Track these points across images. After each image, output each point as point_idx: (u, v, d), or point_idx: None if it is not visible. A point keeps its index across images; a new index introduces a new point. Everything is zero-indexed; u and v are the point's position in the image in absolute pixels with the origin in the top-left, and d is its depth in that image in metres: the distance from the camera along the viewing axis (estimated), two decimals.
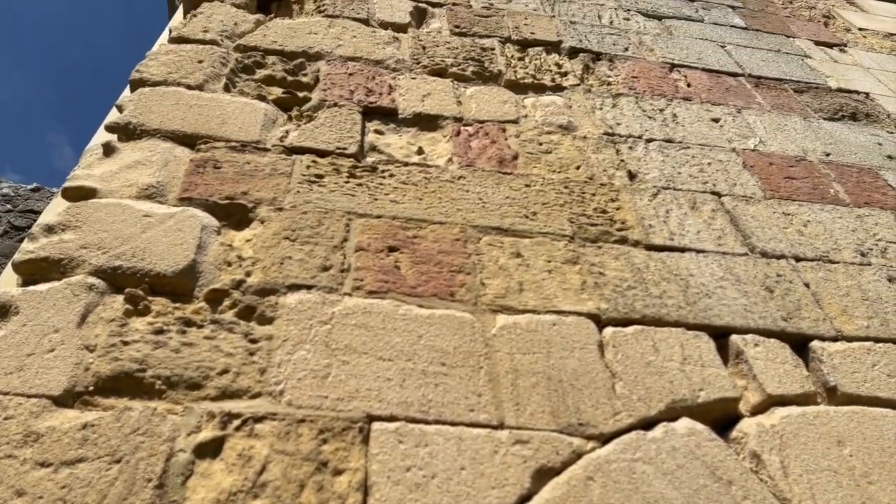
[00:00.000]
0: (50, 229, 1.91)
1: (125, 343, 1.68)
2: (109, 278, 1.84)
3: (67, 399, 1.55)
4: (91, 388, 1.59)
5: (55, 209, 2.07)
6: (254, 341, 1.77)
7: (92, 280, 1.80)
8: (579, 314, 2.04)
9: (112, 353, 1.65)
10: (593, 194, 2.60)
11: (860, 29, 4.64)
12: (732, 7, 4.62)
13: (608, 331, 2.02)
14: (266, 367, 1.71)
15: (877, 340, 2.13)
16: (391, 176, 2.48)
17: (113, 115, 2.49)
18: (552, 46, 3.62)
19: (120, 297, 1.80)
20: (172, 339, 1.71)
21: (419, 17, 3.69)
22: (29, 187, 5.81)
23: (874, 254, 2.52)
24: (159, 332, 1.73)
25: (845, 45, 4.35)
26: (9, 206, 5.47)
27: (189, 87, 2.66)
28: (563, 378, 1.83)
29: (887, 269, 2.44)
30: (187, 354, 1.69)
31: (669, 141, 3.01)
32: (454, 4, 3.83)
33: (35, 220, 5.63)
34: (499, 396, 1.75)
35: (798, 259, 2.43)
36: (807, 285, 2.32)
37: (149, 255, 1.91)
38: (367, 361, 1.76)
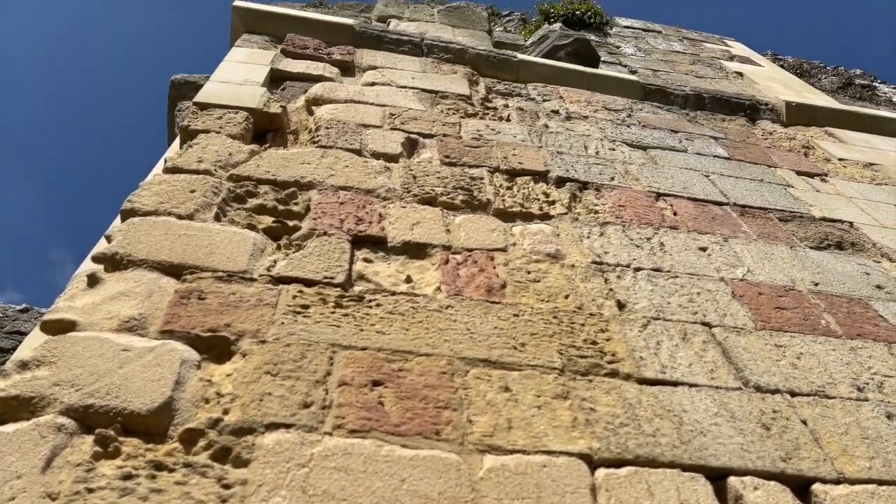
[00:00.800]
0: (24, 365, 1.86)
1: (90, 490, 1.59)
2: (81, 417, 1.77)
3: None
4: None
5: (32, 343, 2.03)
6: (227, 486, 1.68)
7: (62, 420, 1.73)
8: (570, 454, 1.96)
9: (75, 503, 1.56)
10: (582, 324, 2.57)
11: (840, 159, 4.79)
12: (715, 138, 4.78)
13: (601, 473, 1.93)
14: None
15: (880, 483, 2.04)
16: (378, 305, 2.46)
17: (101, 246, 2.49)
18: (540, 176, 3.70)
19: (90, 439, 1.72)
20: (141, 486, 1.62)
21: (410, 147, 3.79)
22: (18, 308, 5.77)
23: (871, 388, 2.47)
24: (128, 477, 1.64)
25: (826, 175, 4.47)
26: None
27: (179, 216, 2.68)
28: None
29: (885, 405, 2.38)
30: (155, 503, 1.59)
31: (658, 270, 3.02)
32: (444, 135, 3.95)
33: (21, 342, 5.56)
34: None
35: (793, 394, 2.38)
36: (804, 422, 2.25)
37: (124, 392, 1.85)
38: None
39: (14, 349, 5.29)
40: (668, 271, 3.02)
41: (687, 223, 3.49)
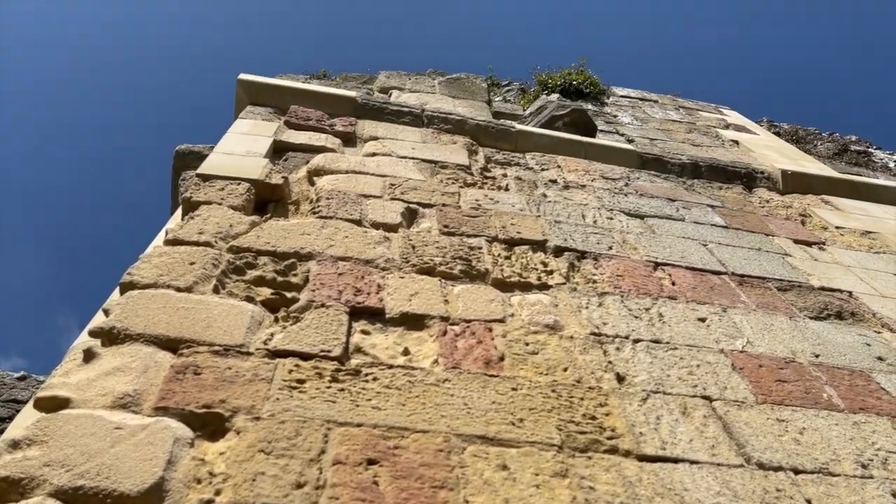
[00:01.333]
0: (15, 445, 1.84)
1: None
2: (70, 500, 1.74)
3: None
4: None
5: (24, 421, 2.01)
6: None
7: (50, 503, 1.70)
8: None
9: None
10: (581, 399, 2.55)
11: (837, 227, 4.82)
12: (712, 206, 4.82)
13: None
14: None
15: None
16: (374, 380, 2.44)
17: (98, 320, 2.50)
18: (538, 245, 3.73)
19: None
20: None
21: (410, 217, 3.83)
22: (15, 375, 5.71)
23: (875, 465, 2.42)
24: None
25: (824, 244, 4.50)
26: None
27: (178, 289, 2.69)
28: None
29: (891, 483, 2.33)
30: None
31: (657, 341, 3.00)
32: (444, 205, 4.00)
33: (18, 411, 5.49)
34: None
35: (797, 471, 2.33)
36: (808, 501, 2.20)
37: (115, 472, 1.82)
38: None
39: (10, 418, 5.24)
40: (668, 343, 3.01)
41: (685, 293, 3.49)
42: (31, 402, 2.14)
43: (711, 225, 4.48)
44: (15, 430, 1.97)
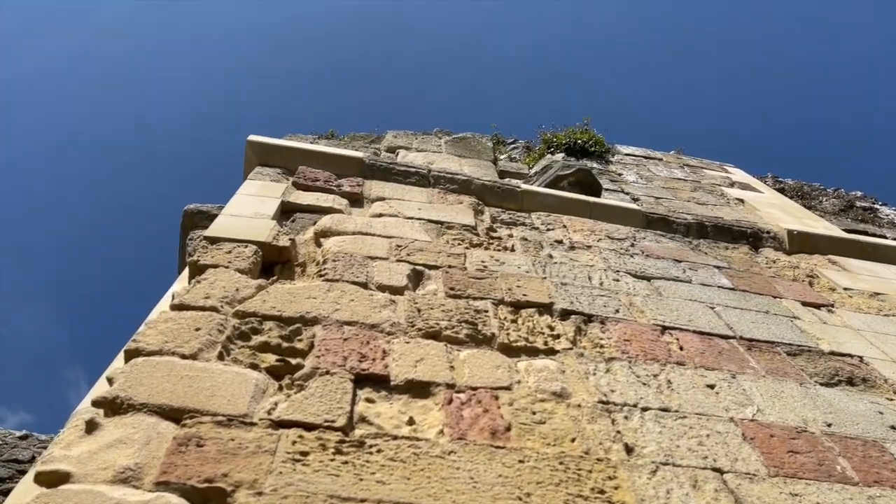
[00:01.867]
0: None
1: None
2: None
3: None
4: None
5: (24, 496, 1.98)
6: None
7: None
8: None
9: None
10: (590, 471, 2.50)
11: (845, 289, 4.79)
12: (718, 267, 4.82)
13: None
14: None
15: None
16: (379, 451, 2.41)
17: (101, 389, 2.49)
18: (544, 308, 3.71)
19: None
20: None
21: (416, 279, 3.83)
22: (17, 434, 5.67)
23: None
24: None
25: (832, 306, 4.47)
26: None
27: (183, 356, 2.68)
28: None
29: None
30: None
31: (666, 410, 2.96)
32: (450, 266, 4.00)
33: (19, 471, 5.42)
34: None
35: None
36: None
37: None
38: None
39: (11, 478, 5.18)
40: (677, 411, 2.96)
41: (694, 358, 3.46)
42: (31, 474, 2.11)
43: (718, 287, 4.46)
44: None
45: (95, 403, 2.34)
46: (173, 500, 2.01)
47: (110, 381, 2.48)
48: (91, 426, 2.23)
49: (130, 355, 2.63)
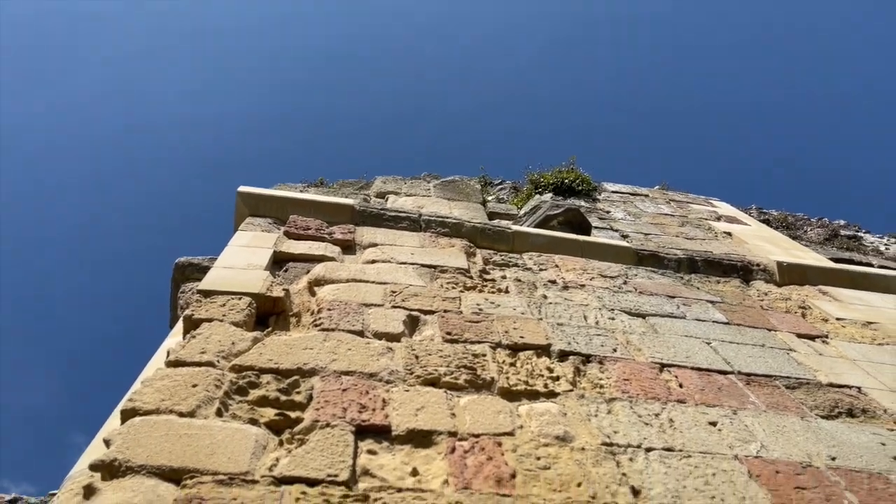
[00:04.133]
0: None
1: None
2: None
3: None
4: None
5: None
6: None
7: None
8: None
9: None
10: None
11: (838, 318, 4.82)
12: (711, 302, 4.83)
13: None
14: None
15: None
16: None
17: (98, 451, 2.43)
18: (542, 349, 3.70)
19: None
20: None
21: (412, 325, 3.81)
22: (7, 497, 5.53)
23: None
24: None
25: (827, 337, 4.48)
26: None
27: (181, 414, 2.64)
28: None
29: None
30: None
31: (670, 449, 2.94)
32: (445, 311, 3.99)
33: None
34: None
35: None
36: None
37: None
38: None
39: None
40: (681, 450, 2.94)
41: (694, 396, 3.44)
42: None
43: (713, 321, 4.47)
44: None
45: (93, 467, 2.29)
46: None
47: (107, 442, 2.43)
48: (89, 491, 2.18)
49: (127, 415, 2.58)
